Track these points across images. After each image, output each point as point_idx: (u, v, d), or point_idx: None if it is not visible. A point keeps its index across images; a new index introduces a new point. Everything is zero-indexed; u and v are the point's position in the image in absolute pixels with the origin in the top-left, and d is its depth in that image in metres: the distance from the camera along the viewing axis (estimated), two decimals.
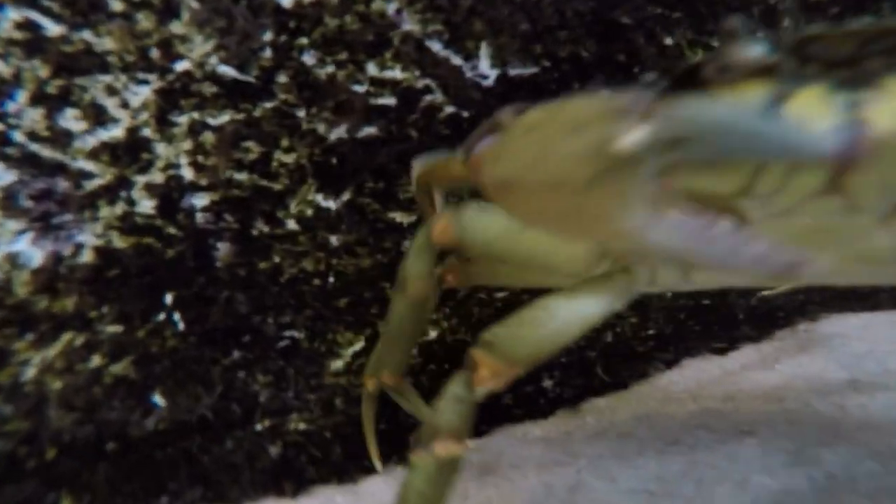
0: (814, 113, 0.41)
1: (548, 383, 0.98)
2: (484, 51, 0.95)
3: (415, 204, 0.93)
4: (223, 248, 0.86)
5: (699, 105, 0.33)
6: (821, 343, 1.05)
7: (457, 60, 0.94)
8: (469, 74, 0.95)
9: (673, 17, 1.06)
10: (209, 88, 0.85)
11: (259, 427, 0.84)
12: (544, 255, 0.59)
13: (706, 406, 0.92)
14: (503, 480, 0.77)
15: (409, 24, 0.92)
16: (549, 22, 0.98)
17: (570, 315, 0.54)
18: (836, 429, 0.78)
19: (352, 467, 0.86)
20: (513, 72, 0.97)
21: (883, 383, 0.91)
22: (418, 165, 0.73)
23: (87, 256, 0.82)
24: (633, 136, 0.33)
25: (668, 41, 1.05)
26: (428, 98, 0.93)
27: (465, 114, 0.95)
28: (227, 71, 0.86)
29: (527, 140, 0.42)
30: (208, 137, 0.85)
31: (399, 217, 0.91)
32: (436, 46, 0.93)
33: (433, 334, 0.95)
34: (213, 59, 0.85)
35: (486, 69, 0.95)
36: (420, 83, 0.92)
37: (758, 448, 0.75)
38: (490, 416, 0.92)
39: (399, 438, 0.78)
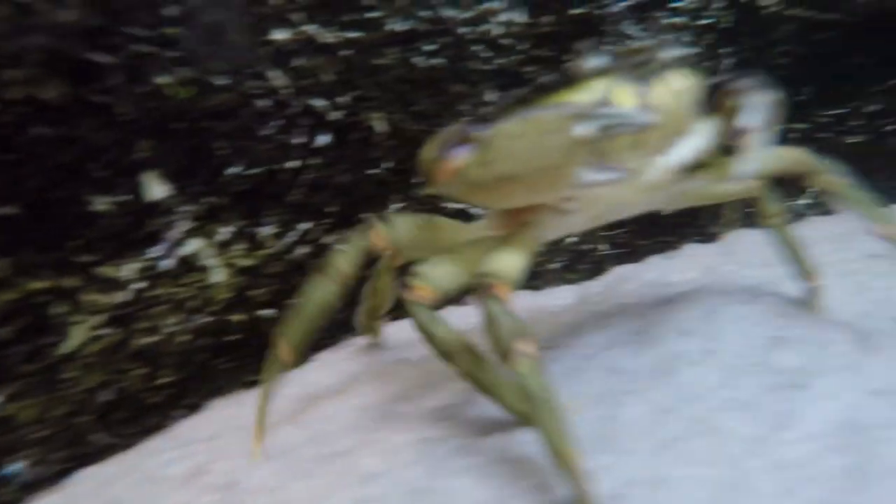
0: (627, 101, 0.71)
1: (18, 467, 0.91)
2: None
3: None
4: None
5: (609, 109, 0.64)
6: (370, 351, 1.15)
7: None
8: None
9: (167, 56, 1.03)
10: None
11: None
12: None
13: (225, 441, 0.92)
14: None
15: None
16: None
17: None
18: (356, 427, 0.85)
19: None
20: None
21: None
22: None
23: None
24: (587, 129, 0.60)
25: (163, 80, 1.03)
26: None
27: None
28: None
29: (515, 143, 0.64)
30: None
31: None
32: None
33: None
34: None
35: None
36: None
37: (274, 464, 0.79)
38: None
39: None
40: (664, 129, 0.73)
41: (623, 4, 1.72)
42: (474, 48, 1.52)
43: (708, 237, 1.76)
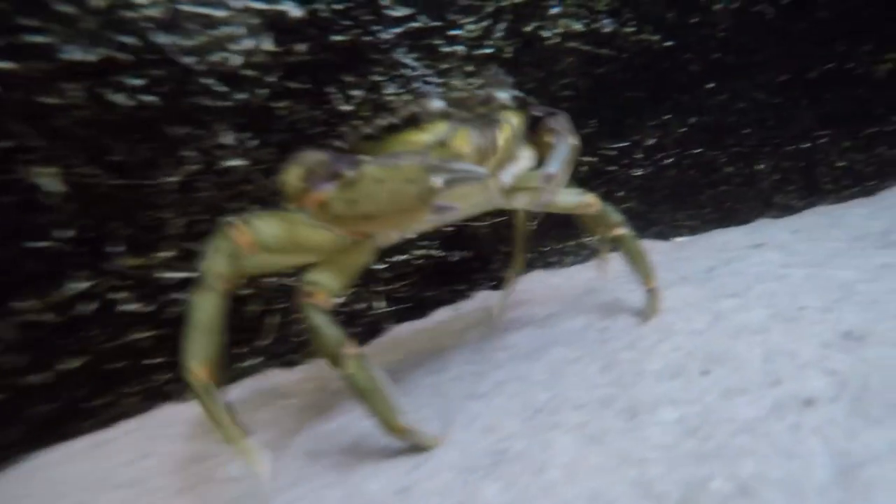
0: (465, 146, 0.84)
1: None
2: None
3: None
4: None
5: (457, 164, 0.73)
6: None
7: None
8: None
9: None
10: None
11: None
12: (311, 243, 0.84)
13: None
14: None
15: None
16: None
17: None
18: None
19: None
20: None
21: None
22: None
23: None
24: (439, 181, 0.72)
25: None
26: None
27: None
28: None
29: (378, 187, 0.74)
30: None
31: None
32: None
33: None
34: None
35: None
36: None
37: None
38: None
39: None
40: (496, 159, 0.87)
41: (395, 31, 1.56)
42: (204, 81, 1.26)
43: (500, 283, 1.65)
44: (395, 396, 0.76)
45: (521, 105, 0.92)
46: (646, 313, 1.04)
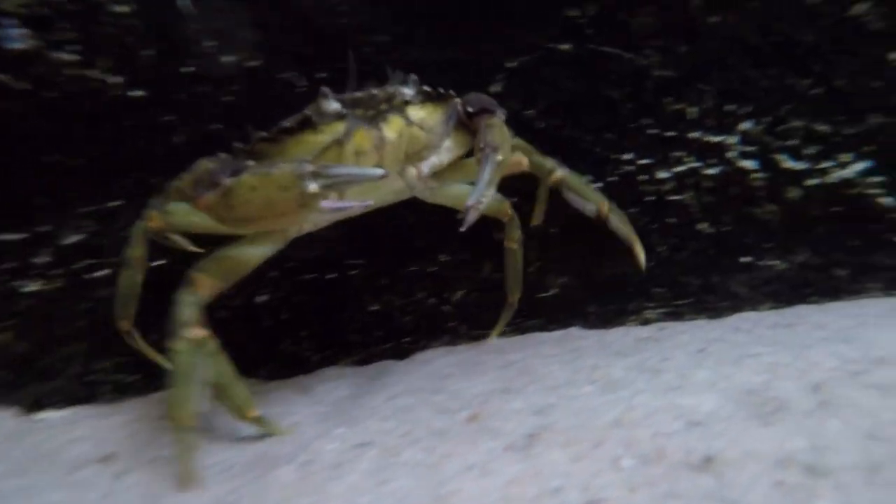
0: (365, 142, 0.89)
1: None
2: None
3: None
4: None
5: (337, 168, 0.79)
6: None
7: None
8: None
9: None
10: None
11: None
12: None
13: None
14: None
15: None
16: None
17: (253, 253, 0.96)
18: None
19: None
20: None
21: None
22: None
23: None
24: (314, 186, 0.77)
25: None
26: None
27: None
28: None
29: (253, 194, 0.79)
30: None
31: None
32: None
33: None
34: None
35: None
36: None
37: None
38: None
39: None
40: (395, 152, 0.92)
41: None
42: None
43: None
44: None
45: (432, 98, 0.94)
46: (638, 255, 1.15)
